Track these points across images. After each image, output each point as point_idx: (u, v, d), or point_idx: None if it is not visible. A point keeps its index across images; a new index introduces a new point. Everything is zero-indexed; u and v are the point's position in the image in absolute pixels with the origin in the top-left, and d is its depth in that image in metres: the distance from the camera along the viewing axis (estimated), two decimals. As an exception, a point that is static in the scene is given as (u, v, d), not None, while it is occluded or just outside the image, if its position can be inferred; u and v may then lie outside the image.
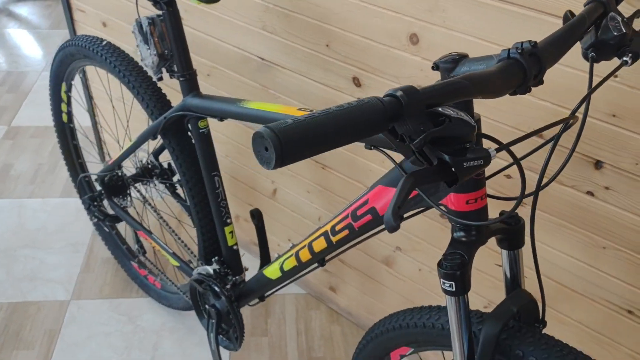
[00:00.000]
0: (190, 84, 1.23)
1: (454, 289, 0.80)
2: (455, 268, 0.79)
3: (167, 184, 1.59)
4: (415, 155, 0.62)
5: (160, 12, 1.22)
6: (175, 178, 1.62)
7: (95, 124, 2.31)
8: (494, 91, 0.64)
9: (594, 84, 0.76)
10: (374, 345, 1.10)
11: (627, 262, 1.16)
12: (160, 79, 1.28)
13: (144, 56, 1.26)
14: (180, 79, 1.23)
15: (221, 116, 1.18)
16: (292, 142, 0.50)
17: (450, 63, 0.75)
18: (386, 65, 1.30)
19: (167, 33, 1.21)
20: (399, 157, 0.78)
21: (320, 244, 1.09)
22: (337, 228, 1.03)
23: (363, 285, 1.76)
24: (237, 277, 1.41)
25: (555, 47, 0.73)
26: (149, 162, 1.59)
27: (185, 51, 1.21)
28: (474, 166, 0.60)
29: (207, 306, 1.45)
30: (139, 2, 1.60)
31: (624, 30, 0.78)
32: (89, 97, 2.25)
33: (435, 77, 1.22)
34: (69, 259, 2.02)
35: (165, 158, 1.54)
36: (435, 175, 0.61)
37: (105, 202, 1.72)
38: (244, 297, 1.40)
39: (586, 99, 0.74)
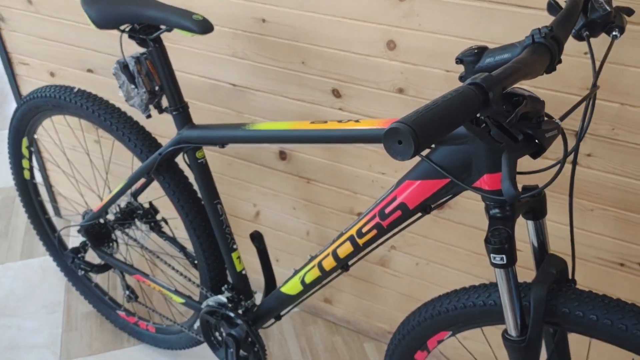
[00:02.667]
0: (184, 116, 1.24)
1: (504, 262, 0.86)
2: (504, 241, 0.85)
3: (152, 224, 1.57)
4: (490, 137, 0.68)
5: (143, 50, 1.22)
6: (159, 216, 1.60)
7: (46, 178, 2.22)
8: (536, 72, 0.71)
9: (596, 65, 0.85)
10: (410, 338, 1.14)
11: (615, 219, 1.27)
12: (149, 116, 1.28)
13: (130, 96, 1.26)
14: (174, 112, 1.23)
15: (224, 143, 1.19)
16: (424, 132, 0.54)
17: (473, 56, 0.81)
18: (366, 73, 1.36)
19: (156, 69, 1.21)
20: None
21: (346, 249, 1.12)
22: (364, 230, 1.07)
23: (358, 290, 1.80)
24: (249, 302, 1.41)
25: (563, 29, 0.81)
26: (129, 204, 1.57)
27: (175, 85, 1.22)
28: (552, 136, 0.67)
29: (221, 337, 1.44)
30: (106, 43, 1.59)
31: (609, 9, 0.88)
32: (37, 152, 2.17)
33: (416, 78, 1.31)
34: (48, 320, 1.92)
35: (144, 198, 1.52)
36: (523, 150, 0.67)
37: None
38: (261, 319, 1.40)
39: (600, 71, 0.83)
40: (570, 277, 0.97)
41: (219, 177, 1.80)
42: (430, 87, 1.31)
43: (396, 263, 1.66)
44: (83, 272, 1.64)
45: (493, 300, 0.98)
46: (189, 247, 1.55)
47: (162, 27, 1.14)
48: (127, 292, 1.67)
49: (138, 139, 1.34)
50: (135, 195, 1.59)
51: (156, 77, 1.23)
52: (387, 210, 1.02)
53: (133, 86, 1.23)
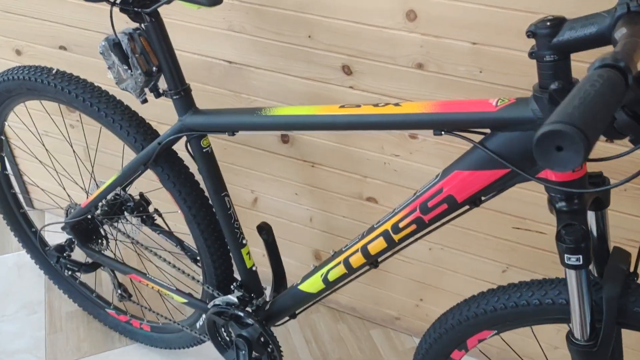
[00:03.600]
0: (186, 101, 1.10)
1: (580, 262, 0.77)
2: (580, 240, 0.76)
3: (144, 217, 1.43)
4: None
5: (136, 26, 1.07)
6: (151, 208, 1.46)
7: (16, 167, 2.04)
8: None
9: None
10: (448, 337, 1.05)
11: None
12: (145, 101, 1.13)
13: (123, 78, 1.11)
14: (175, 97, 1.09)
15: (235, 130, 1.06)
16: (593, 132, 0.43)
17: (548, 28, 0.70)
18: (380, 47, 1.24)
19: (152, 47, 1.06)
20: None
21: (378, 245, 1.02)
22: (402, 225, 0.97)
23: (365, 277, 1.70)
24: (260, 299, 1.30)
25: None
26: (117, 196, 1.43)
27: (176, 65, 1.07)
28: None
29: (230, 337, 1.33)
30: (81, 17, 1.42)
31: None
32: (5, 140, 1.98)
33: (438, 52, 1.19)
34: (29, 322, 1.77)
35: (134, 190, 1.38)
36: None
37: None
38: (274, 318, 1.29)
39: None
40: (633, 270, 0.89)
41: (212, 162, 1.66)
42: (454, 62, 1.19)
43: (407, 249, 1.56)
44: (70, 272, 1.50)
45: (551, 299, 0.89)
46: (187, 240, 1.43)
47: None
48: (120, 291, 1.54)
49: (131, 126, 1.20)
50: (124, 186, 1.45)
51: (152, 57, 1.08)
52: (430, 204, 0.92)
53: (126, 67, 1.08)
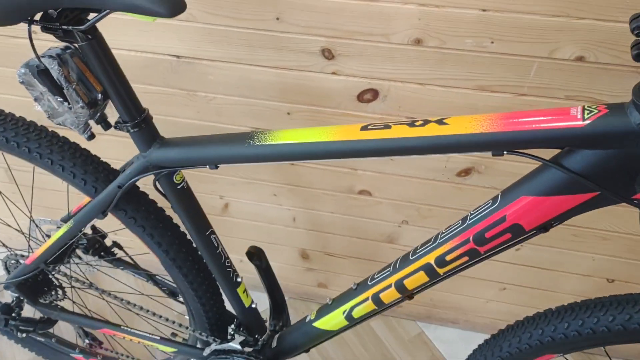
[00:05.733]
0: (148, 132, 0.85)
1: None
2: None
3: (102, 253, 1.20)
4: None
5: (63, 45, 0.80)
6: (108, 241, 1.22)
7: None
8: None
9: None
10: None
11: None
12: (91, 137, 0.87)
13: (58, 112, 0.84)
14: (133, 130, 0.84)
15: (220, 163, 0.83)
16: None
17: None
18: (369, 24, 1.02)
19: (94, 71, 0.80)
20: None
21: (417, 280, 0.85)
22: (450, 257, 0.79)
23: (360, 270, 1.54)
24: (264, 337, 1.12)
25: None
26: None
27: (127, 89, 0.82)
28: None
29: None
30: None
31: None
32: None
33: (439, 24, 0.99)
34: (-20, 383, 1.52)
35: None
36: None
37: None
38: (282, 356, 1.11)
39: None
40: None
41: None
42: (460, 33, 1.00)
43: (407, 238, 1.41)
44: (24, 334, 1.24)
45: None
46: (159, 271, 1.21)
47: (100, 9, 0.72)
48: (87, 340, 1.31)
49: (82, 169, 0.94)
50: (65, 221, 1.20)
51: (95, 83, 0.82)
52: (489, 234, 0.74)
53: (61, 99, 0.82)
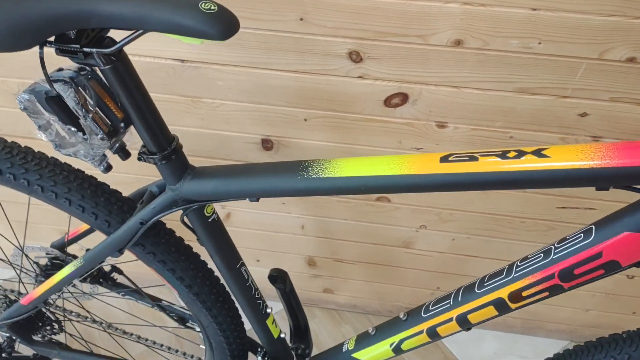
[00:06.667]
0: (179, 164, 0.73)
1: None
2: None
3: (101, 280, 1.08)
4: None
5: (77, 66, 0.67)
6: (107, 266, 1.10)
7: None
8: None
9: None
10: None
11: None
12: (108, 168, 0.75)
13: (70, 142, 0.72)
14: (161, 162, 0.72)
15: (266, 197, 0.73)
16: None
17: None
18: (404, 24, 0.92)
19: (116, 98, 0.67)
20: None
21: (485, 314, 0.77)
22: (527, 293, 0.72)
23: (370, 276, 1.47)
24: (293, 367, 1.03)
25: None
26: (55, 261, 1.05)
27: (155, 116, 0.70)
28: None
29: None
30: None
31: None
32: None
33: (483, 24, 0.90)
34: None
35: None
36: None
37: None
38: (315, 386, 1.03)
39: None
40: None
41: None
42: (505, 34, 0.91)
43: (425, 242, 1.34)
44: (18, 375, 1.11)
45: None
46: (165, 295, 1.10)
47: (133, 31, 0.60)
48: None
49: (85, 198, 0.81)
50: (61, 246, 1.07)
51: (114, 108, 0.70)
52: (578, 271, 0.67)
53: (74, 129, 0.69)
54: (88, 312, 1.05)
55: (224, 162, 1.21)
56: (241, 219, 1.36)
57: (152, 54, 1.03)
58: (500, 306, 0.75)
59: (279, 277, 1.01)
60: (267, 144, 1.16)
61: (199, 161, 1.22)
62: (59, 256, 1.08)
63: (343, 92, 1.04)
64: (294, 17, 0.94)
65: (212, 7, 0.57)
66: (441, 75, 0.99)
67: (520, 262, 0.73)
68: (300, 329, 1.08)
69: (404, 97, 1.03)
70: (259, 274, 1.53)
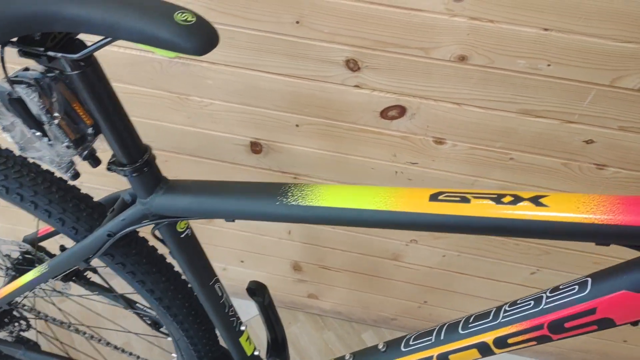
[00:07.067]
0: (150, 177, 0.68)
1: None
2: None
3: (73, 278, 1.03)
4: None
5: (41, 68, 0.61)
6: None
7: None
8: None
9: None
10: None
11: None
12: (76, 176, 0.70)
13: (33, 147, 0.66)
14: (132, 175, 0.67)
15: (242, 219, 0.68)
16: None
17: None
18: (406, 35, 0.87)
19: (85, 104, 0.62)
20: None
21: (467, 356, 0.72)
22: (513, 340, 0.67)
23: (356, 285, 1.43)
24: (266, 383, 0.99)
25: None
26: (26, 256, 1.01)
27: (126, 126, 0.64)
28: None
29: None
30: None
31: None
32: None
33: (489, 41, 0.83)
34: None
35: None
36: None
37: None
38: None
39: None
40: None
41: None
42: (512, 53, 0.86)
43: (413, 257, 1.29)
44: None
45: None
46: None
47: (99, 38, 0.54)
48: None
49: (52, 203, 0.76)
50: (34, 241, 1.03)
51: (83, 115, 0.64)
52: (570, 324, 0.62)
53: (39, 133, 0.64)
54: (59, 309, 1.01)
55: (209, 161, 1.16)
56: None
57: (138, 47, 0.98)
58: (484, 350, 0.70)
59: (257, 290, 0.97)
60: (256, 147, 1.11)
61: (183, 159, 1.17)
62: (30, 251, 1.03)
63: (338, 101, 0.98)
64: (289, 20, 0.88)
65: (189, 19, 0.52)
66: (442, 90, 0.93)
67: (508, 307, 0.68)
68: (278, 342, 1.04)
69: (401, 110, 0.98)
70: (243, 275, 1.49)
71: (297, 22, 0.88)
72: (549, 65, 0.86)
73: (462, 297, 1.36)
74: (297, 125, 1.05)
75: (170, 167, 1.20)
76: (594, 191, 1.03)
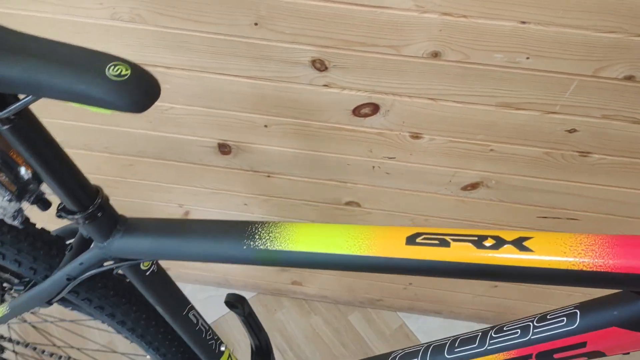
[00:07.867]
0: (106, 220, 0.63)
1: None
2: None
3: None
4: None
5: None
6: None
7: None
8: None
9: None
10: None
11: None
12: (26, 222, 0.64)
13: (-28, 201, 0.61)
14: (84, 222, 0.61)
15: (207, 262, 0.63)
16: None
17: None
18: (373, 33, 0.80)
19: (22, 155, 0.56)
20: None
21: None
22: (498, 367, 0.65)
23: (340, 271, 1.40)
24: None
25: None
26: None
27: (72, 172, 0.59)
28: None
29: None
30: None
31: None
32: None
33: (463, 36, 0.77)
34: None
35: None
36: None
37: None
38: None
39: None
40: None
41: (113, 180, 1.17)
42: (489, 47, 0.80)
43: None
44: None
45: None
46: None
47: (25, 96, 0.48)
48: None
49: (4, 244, 0.71)
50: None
51: (22, 163, 0.58)
52: (558, 356, 0.60)
53: (-27, 188, 0.58)
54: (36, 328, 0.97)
55: (178, 164, 1.10)
56: (200, 216, 1.27)
57: (86, 56, 0.90)
58: (468, 375, 0.68)
59: (236, 303, 0.93)
60: (224, 149, 1.05)
61: (149, 162, 1.11)
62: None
63: (307, 101, 0.92)
64: (246, 22, 0.81)
65: (123, 73, 0.46)
66: (416, 87, 0.87)
67: (494, 334, 0.66)
68: (262, 349, 1.01)
69: (374, 108, 0.92)
70: (225, 268, 1.46)
71: (256, 24, 0.81)
72: (527, 58, 0.81)
73: (447, 279, 1.35)
74: (265, 126, 0.99)
75: (136, 171, 1.14)
76: (579, 177, 0.99)
